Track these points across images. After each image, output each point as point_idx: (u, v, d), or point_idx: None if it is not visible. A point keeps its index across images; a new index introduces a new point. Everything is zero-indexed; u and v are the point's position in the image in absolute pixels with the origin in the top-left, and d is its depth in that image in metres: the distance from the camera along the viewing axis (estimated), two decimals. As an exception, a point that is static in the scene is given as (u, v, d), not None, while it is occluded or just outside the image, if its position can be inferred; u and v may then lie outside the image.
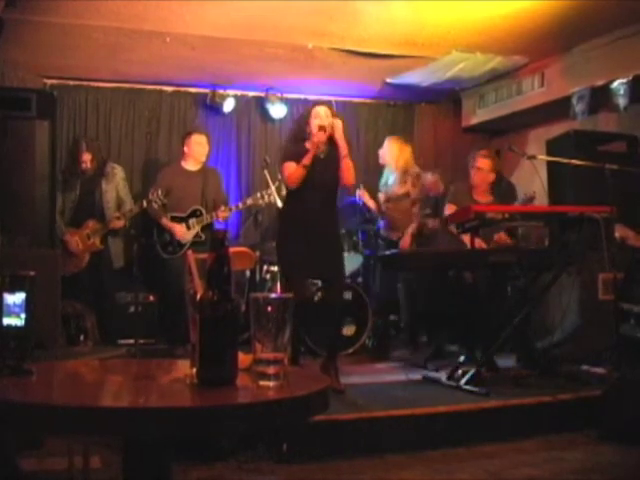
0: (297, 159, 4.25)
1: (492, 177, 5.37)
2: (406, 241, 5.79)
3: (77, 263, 5.59)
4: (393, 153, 5.94)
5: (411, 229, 5.80)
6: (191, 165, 5.95)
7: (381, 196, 5.95)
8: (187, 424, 1.34)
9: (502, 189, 6.03)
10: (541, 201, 5.59)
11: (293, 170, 4.23)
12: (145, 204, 5.63)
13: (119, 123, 6.72)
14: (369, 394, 4.32)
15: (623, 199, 4.75)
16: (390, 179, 5.94)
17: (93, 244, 5.64)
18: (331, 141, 4.28)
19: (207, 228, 5.78)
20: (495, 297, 4.91)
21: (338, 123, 4.25)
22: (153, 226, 5.81)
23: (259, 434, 3.51)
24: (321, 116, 4.26)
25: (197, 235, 5.76)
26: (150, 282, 6.01)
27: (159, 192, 5.60)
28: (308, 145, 4.29)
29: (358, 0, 4.84)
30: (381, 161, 6.06)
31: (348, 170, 4.26)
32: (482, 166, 5.34)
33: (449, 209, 5.30)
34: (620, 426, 3.80)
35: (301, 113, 4.60)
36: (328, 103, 4.57)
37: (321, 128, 4.22)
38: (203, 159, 5.99)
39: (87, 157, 5.76)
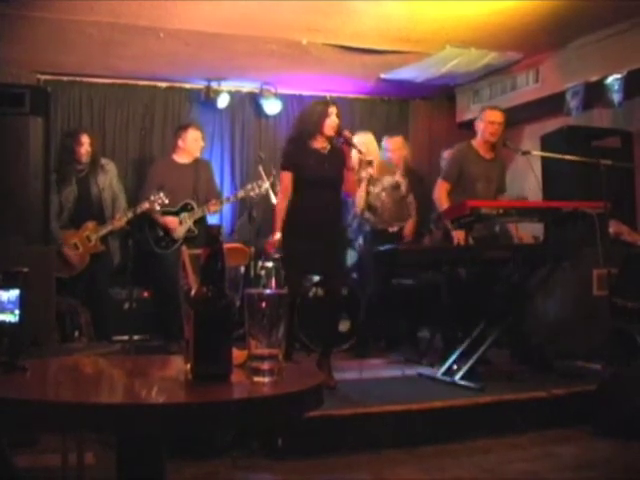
0: (296, 168, 4.28)
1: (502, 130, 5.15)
2: (409, 228, 5.79)
3: (77, 265, 5.52)
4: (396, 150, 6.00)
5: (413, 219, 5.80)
6: (184, 158, 5.94)
7: (375, 187, 5.77)
8: (181, 420, 1.34)
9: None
10: (535, 197, 5.60)
11: (280, 199, 4.38)
12: (148, 205, 5.54)
13: (113, 119, 6.69)
14: (364, 390, 4.31)
15: (617, 194, 4.76)
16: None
17: (95, 246, 5.52)
18: (332, 139, 4.30)
19: (199, 222, 5.76)
20: (489, 293, 4.91)
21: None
22: (145, 221, 5.74)
23: (254, 430, 3.51)
24: (334, 119, 4.27)
25: (190, 230, 5.73)
26: (144, 278, 5.98)
27: (162, 194, 5.53)
28: (315, 144, 4.29)
29: (352, -4, 4.84)
30: (389, 156, 5.97)
31: (353, 182, 4.46)
32: (494, 119, 5.11)
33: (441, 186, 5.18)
34: (614, 421, 3.81)
35: (311, 109, 4.41)
36: (331, 102, 4.54)
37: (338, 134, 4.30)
38: (198, 154, 5.99)
39: (85, 140, 5.61)
